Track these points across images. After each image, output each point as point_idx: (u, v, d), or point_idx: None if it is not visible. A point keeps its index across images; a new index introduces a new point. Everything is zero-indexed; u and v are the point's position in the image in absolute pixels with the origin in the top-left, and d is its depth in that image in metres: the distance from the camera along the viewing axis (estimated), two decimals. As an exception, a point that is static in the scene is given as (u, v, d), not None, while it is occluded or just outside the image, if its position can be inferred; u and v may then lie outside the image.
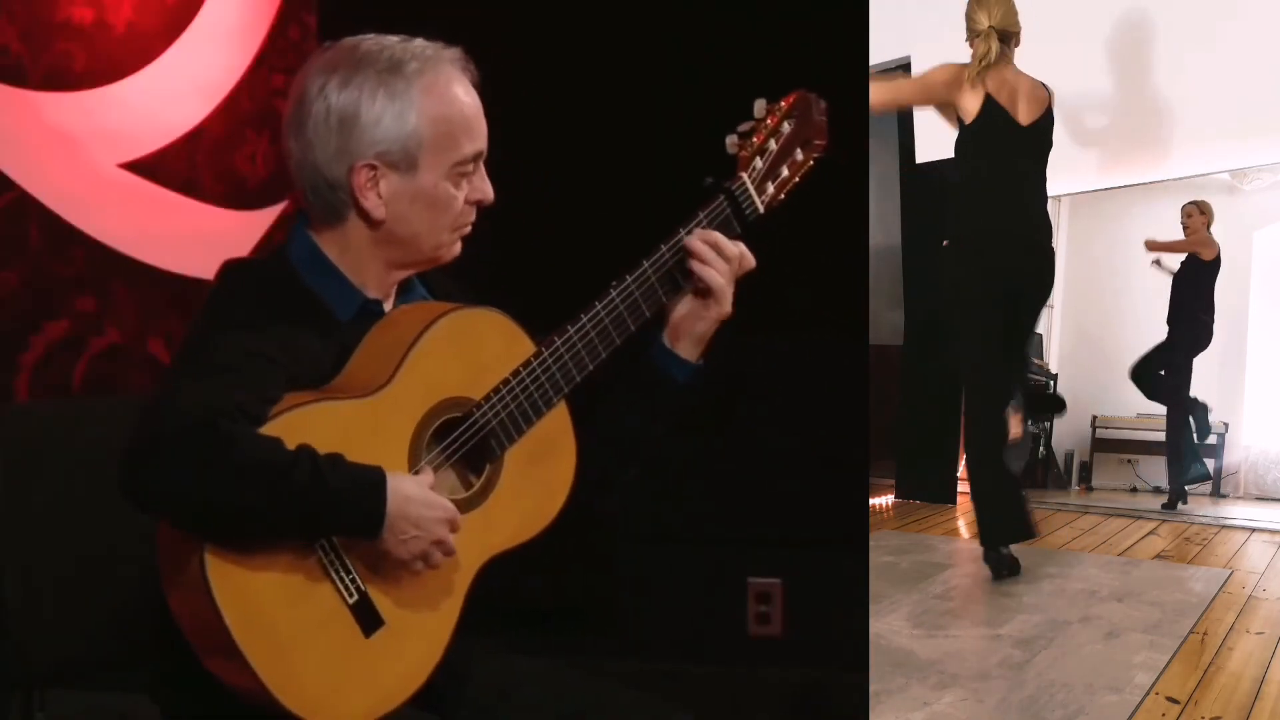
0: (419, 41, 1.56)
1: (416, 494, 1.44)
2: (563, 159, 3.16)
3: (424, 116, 1.52)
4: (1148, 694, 2.62)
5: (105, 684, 1.84)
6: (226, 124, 3.20)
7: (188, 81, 3.12)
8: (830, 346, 3.19)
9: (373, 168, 1.52)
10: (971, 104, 3.68)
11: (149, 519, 1.42)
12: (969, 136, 3.73)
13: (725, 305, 1.63)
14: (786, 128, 1.68)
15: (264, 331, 1.47)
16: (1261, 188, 5.51)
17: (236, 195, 3.23)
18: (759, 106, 1.68)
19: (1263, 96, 4.12)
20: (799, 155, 1.69)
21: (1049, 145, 3.77)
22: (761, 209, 1.67)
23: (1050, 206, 3.85)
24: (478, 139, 1.57)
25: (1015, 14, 3.70)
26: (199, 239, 3.14)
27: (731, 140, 1.67)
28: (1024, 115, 3.70)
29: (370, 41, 1.55)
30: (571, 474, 1.59)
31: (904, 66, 4.55)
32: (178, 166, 3.10)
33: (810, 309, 3.14)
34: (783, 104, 1.69)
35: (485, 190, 1.59)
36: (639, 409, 1.66)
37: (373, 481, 1.41)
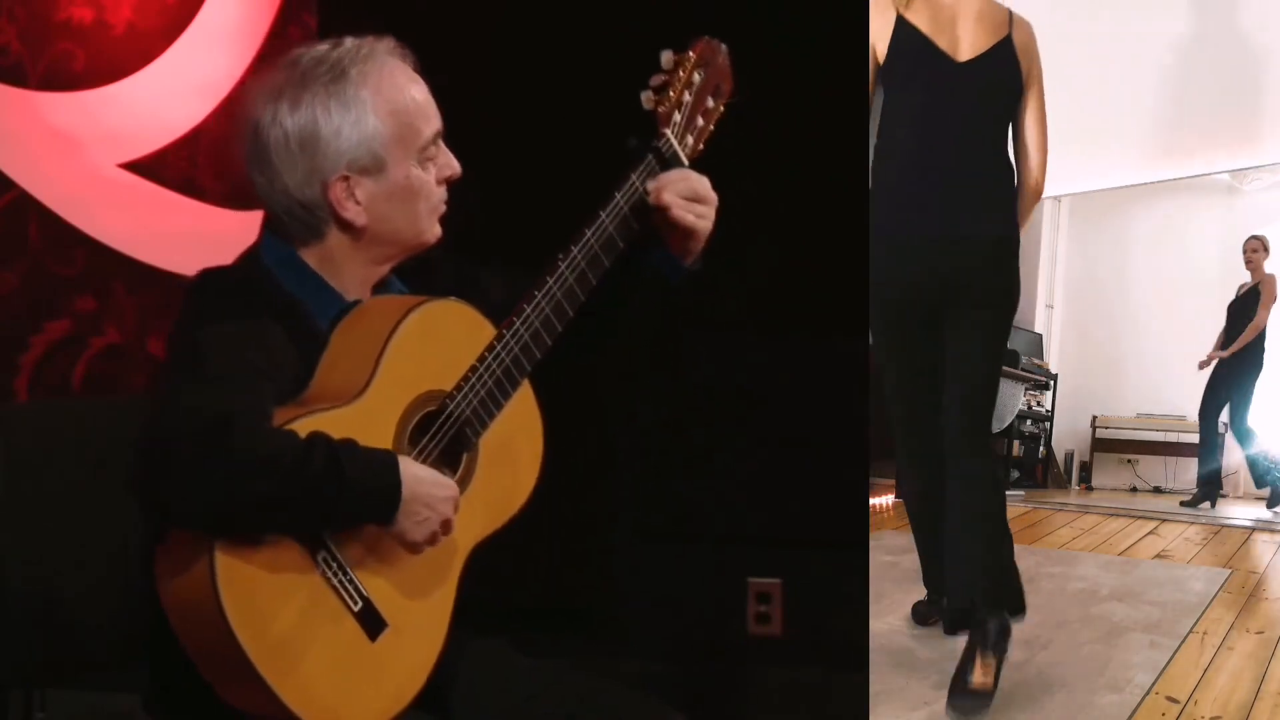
0: (349, 41, 1.56)
1: (426, 474, 1.46)
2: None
3: (379, 114, 1.53)
4: (1148, 694, 2.62)
5: (105, 684, 1.84)
6: (226, 124, 3.20)
7: (188, 81, 3.12)
8: (830, 346, 3.19)
9: (346, 179, 1.53)
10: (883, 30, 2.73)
11: (151, 526, 1.42)
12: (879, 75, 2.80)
13: (703, 237, 1.65)
14: (698, 78, 1.68)
15: (251, 341, 1.47)
16: (1261, 188, 5.51)
17: (236, 195, 3.23)
18: (666, 58, 1.67)
19: (1263, 96, 4.12)
20: (710, 103, 1.70)
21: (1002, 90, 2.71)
22: (685, 162, 1.67)
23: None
24: (433, 119, 1.58)
25: None
26: (199, 239, 3.14)
27: (647, 96, 1.66)
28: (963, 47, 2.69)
29: (305, 56, 1.55)
30: (540, 454, 1.60)
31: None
32: (178, 166, 3.10)
33: (810, 309, 3.14)
34: (691, 54, 1.68)
35: (452, 165, 1.60)
36: (627, 299, 1.68)
37: (387, 463, 1.43)
